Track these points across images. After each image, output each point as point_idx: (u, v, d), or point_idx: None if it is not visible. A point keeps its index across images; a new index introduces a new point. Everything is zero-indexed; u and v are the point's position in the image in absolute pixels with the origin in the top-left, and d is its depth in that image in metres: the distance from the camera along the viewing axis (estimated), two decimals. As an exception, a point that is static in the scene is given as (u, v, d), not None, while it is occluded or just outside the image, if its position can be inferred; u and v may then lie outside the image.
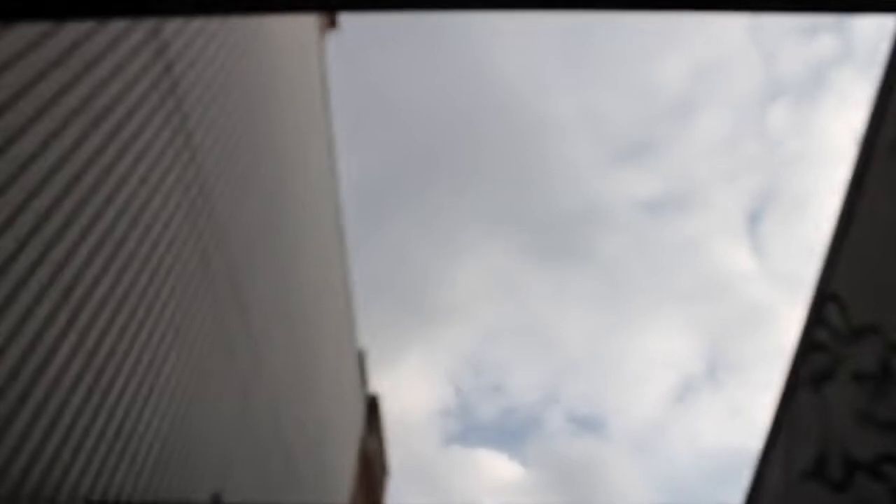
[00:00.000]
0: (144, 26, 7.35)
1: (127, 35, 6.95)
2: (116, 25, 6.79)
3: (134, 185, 7.22)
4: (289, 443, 12.57)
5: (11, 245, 5.49)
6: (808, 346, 7.57)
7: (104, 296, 6.75)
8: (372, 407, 25.32)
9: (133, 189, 7.20)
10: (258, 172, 11.05)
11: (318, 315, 15.43)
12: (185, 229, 8.38)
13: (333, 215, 17.27)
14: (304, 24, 14.19)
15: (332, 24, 16.90)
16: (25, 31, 5.58)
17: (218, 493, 8.93)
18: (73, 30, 6.22)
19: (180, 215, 8.26)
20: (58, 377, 6.11)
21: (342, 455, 18.49)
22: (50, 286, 5.97)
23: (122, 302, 7.06)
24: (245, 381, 10.35)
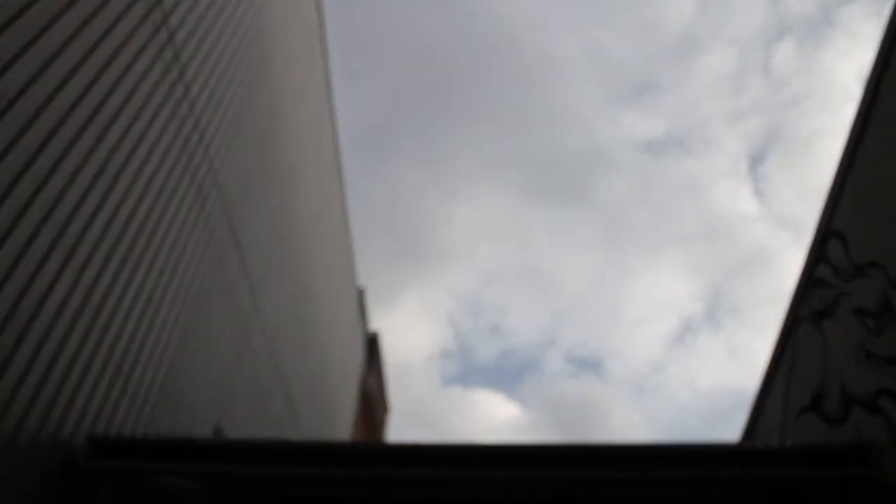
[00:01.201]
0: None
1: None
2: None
3: (127, 121, 7.11)
4: (289, 380, 12.67)
5: (3, 182, 5.43)
6: (810, 282, 7.56)
7: (100, 234, 6.71)
8: (372, 345, 25.50)
9: (126, 125, 7.10)
10: (253, 109, 10.91)
11: (316, 253, 15.43)
12: (180, 166, 8.29)
13: (331, 153, 17.14)
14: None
15: (329, -44, 16.52)
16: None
17: (219, 427, 9.01)
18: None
19: (175, 151, 8.16)
20: (56, 315, 6.11)
21: (343, 392, 18.68)
22: (44, 224, 5.93)
23: (119, 240, 7.02)
24: (243, 320, 10.38)
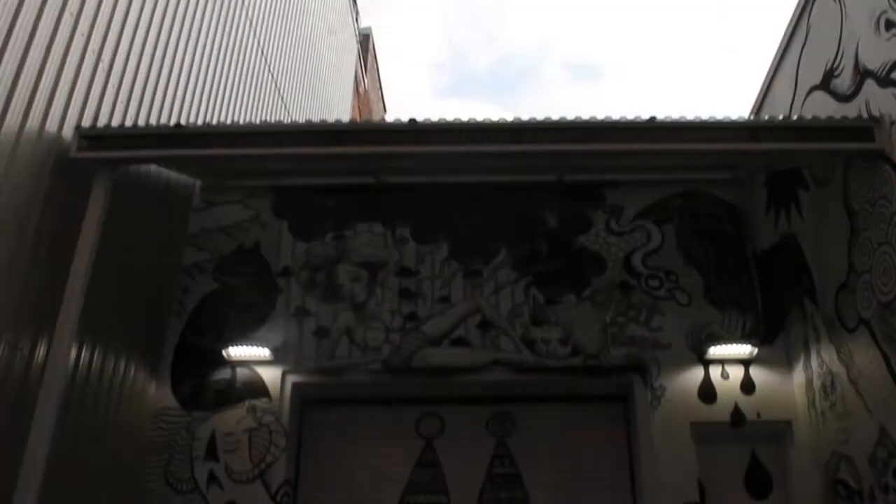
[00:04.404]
0: None
1: None
2: None
3: None
4: (280, 74, 12.32)
5: None
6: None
7: None
8: (365, 43, 24.73)
9: None
10: None
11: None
12: None
13: None
14: None
15: None
16: None
17: (209, 123, 8.81)
18: None
19: None
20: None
21: (337, 88, 18.37)
22: None
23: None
24: (227, 13, 9.81)
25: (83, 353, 6.61)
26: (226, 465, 7.34)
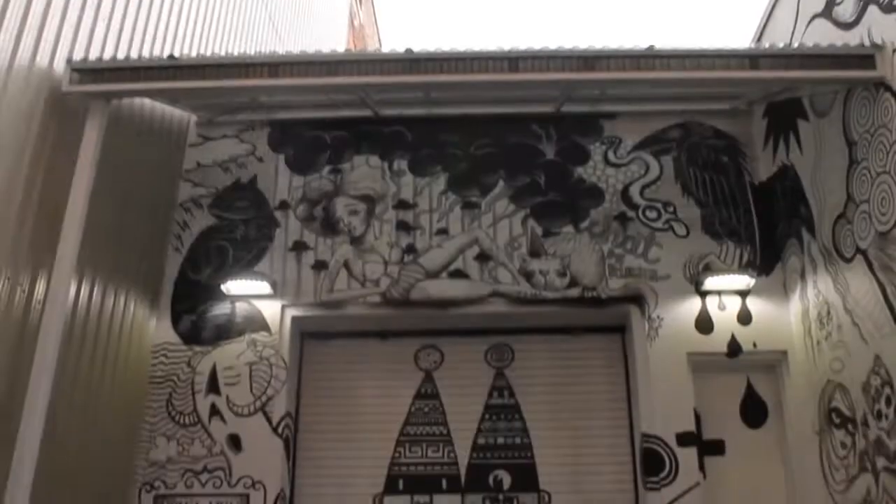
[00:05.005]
0: None
1: None
2: None
3: None
4: (274, 6, 12.11)
5: None
6: None
7: None
8: (359, -24, 24.26)
9: None
10: None
11: None
12: None
13: None
14: None
15: None
16: None
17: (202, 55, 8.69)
18: None
19: None
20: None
21: (332, 23, 18.09)
22: None
23: None
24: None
25: (83, 289, 6.64)
26: (227, 399, 7.42)
